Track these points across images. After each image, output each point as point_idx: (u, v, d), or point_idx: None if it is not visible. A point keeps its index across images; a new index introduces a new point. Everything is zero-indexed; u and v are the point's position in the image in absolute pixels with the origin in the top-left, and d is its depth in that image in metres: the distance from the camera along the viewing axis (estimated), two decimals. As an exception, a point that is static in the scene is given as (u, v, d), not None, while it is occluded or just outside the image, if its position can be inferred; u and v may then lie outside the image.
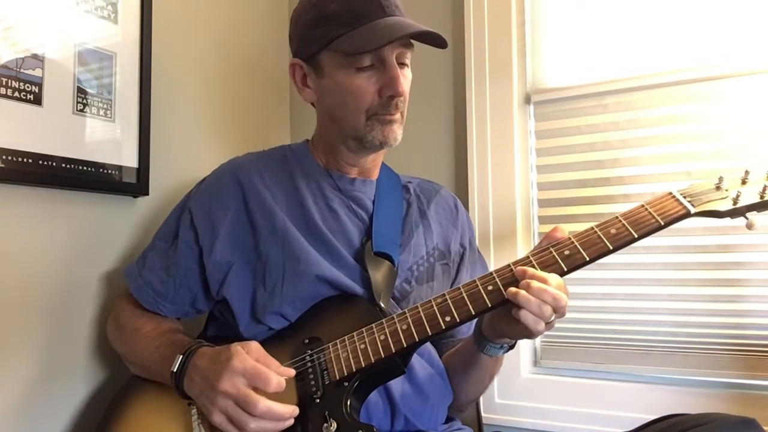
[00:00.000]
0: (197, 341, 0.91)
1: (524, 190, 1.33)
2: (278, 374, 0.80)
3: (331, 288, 0.94)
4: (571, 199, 1.29)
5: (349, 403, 0.83)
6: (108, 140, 1.12)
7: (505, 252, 1.31)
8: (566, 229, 0.85)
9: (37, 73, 1.00)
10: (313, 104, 1.05)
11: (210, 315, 1.07)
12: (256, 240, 0.98)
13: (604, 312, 1.25)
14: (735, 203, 0.80)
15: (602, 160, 1.26)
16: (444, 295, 0.85)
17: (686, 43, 1.20)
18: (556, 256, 0.82)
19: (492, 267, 1.10)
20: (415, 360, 0.93)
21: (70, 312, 1.08)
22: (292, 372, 0.84)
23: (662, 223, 0.80)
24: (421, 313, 0.84)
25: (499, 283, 0.82)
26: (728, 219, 0.81)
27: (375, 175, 1.08)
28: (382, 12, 0.92)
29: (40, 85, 1.00)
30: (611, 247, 0.81)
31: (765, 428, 0.76)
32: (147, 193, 1.18)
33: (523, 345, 1.29)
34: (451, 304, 0.83)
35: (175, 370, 0.86)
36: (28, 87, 0.99)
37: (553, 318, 0.79)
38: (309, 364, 0.87)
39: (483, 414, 1.25)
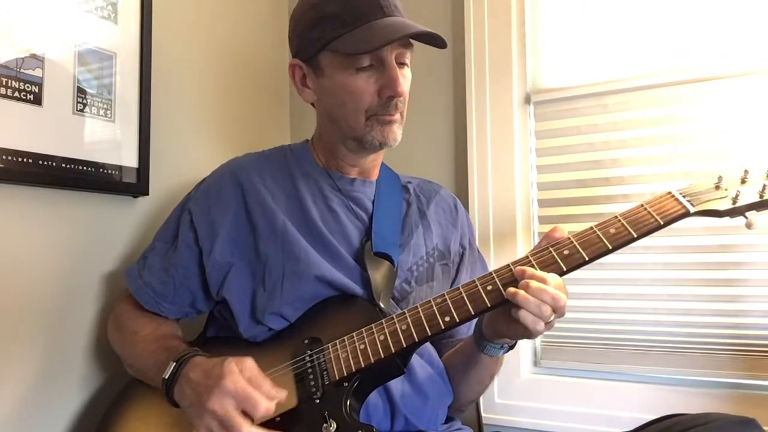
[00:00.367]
0: (193, 349, 0.90)
1: (524, 190, 1.33)
2: (270, 397, 0.79)
3: (330, 288, 0.94)
4: (571, 199, 1.29)
5: (348, 403, 0.83)
6: (108, 140, 1.12)
7: (505, 252, 1.31)
8: (565, 229, 0.85)
9: (37, 73, 1.00)
10: (312, 105, 1.05)
11: (210, 315, 1.07)
12: (255, 240, 0.98)
13: (604, 312, 1.25)
14: (734, 202, 0.80)
15: (602, 160, 1.26)
16: (443, 295, 0.85)
17: (686, 44, 1.20)
18: (556, 256, 0.82)
19: (492, 267, 1.10)
20: (415, 360, 0.93)
21: (70, 312, 1.08)
22: (284, 394, 0.82)
23: (662, 223, 0.80)
24: (421, 314, 0.84)
25: (498, 283, 0.82)
26: (728, 218, 0.81)
27: (375, 175, 1.07)
28: (381, 12, 0.92)
29: (40, 85, 1.01)
30: (610, 247, 0.81)
31: (765, 428, 0.76)
32: (147, 193, 1.18)
33: (523, 345, 1.29)
34: (450, 305, 0.83)
35: (166, 378, 0.86)
36: (28, 87, 0.99)
37: (552, 318, 0.79)
38: (309, 365, 0.87)
39: (483, 414, 1.25)
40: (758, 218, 0.79)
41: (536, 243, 1.32)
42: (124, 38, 1.15)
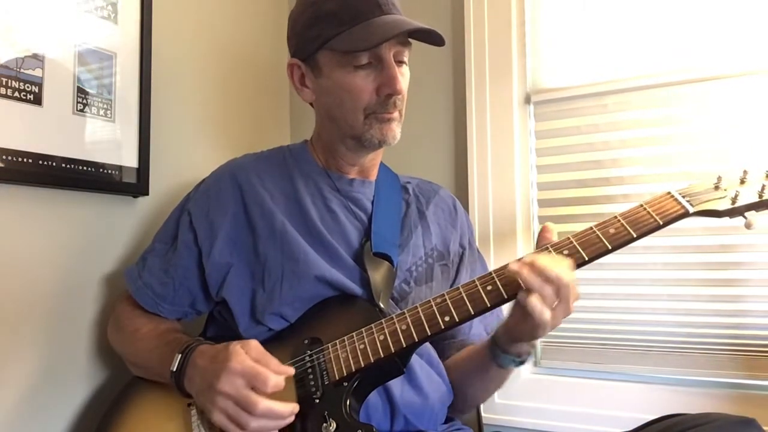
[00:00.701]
0: (196, 339, 0.91)
1: (524, 190, 1.33)
2: (277, 373, 0.80)
3: (330, 288, 0.94)
4: (571, 199, 1.29)
5: (348, 403, 0.83)
6: (108, 140, 1.12)
7: (505, 252, 1.31)
8: (554, 228, 0.85)
9: (37, 73, 1.00)
10: (311, 104, 1.05)
11: (210, 316, 1.07)
12: (254, 241, 0.98)
13: (604, 312, 1.25)
14: (734, 203, 0.80)
15: (602, 160, 1.26)
16: (443, 295, 0.85)
17: (685, 44, 1.20)
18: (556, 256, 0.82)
19: (492, 267, 1.10)
20: (415, 360, 0.93)
21: (70, 312, 1.08)
22: (292, 370, 0.84)
23: (661, 223, 0.80)
24: (420, 314, 0.84)
25: (498, 282, 0.82)
26: (727, 218, 0.81)
27: (374, 175, 1.07)
28: (379, 10, 0.92)
29: (40, 85, 1.01)
30: (610, 247, 0.80)
31: (765, 428, 0.76)
32: (147, 193, 1.18)
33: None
34: (450, 305, 0.83)
35: (174, 369, 0.87)
36: (28, 87, 0.99)
37: (556, 304, 0.78)
38: (309, 365, 0.87)
39: (483, 414, 1.25)
40: (757, 218, 0.79)
41: (536, 243, 1.33)
42: (124, 38, 1.15)
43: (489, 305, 0.82)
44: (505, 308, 0.89)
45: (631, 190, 1.23)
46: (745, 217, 0.80)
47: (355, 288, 0.94)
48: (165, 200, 1.24)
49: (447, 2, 1.44)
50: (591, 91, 1.28)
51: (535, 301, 0.76)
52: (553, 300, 0.77)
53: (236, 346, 0.82)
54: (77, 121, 1.07)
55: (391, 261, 0.97)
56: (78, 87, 1.07)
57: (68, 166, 1.05)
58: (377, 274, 0.95)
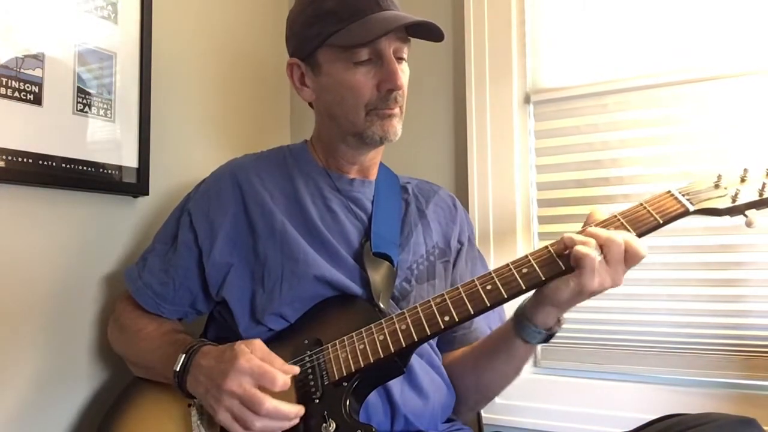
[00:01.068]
0: (199, 340, 0.91)
1: (524, 190, 1.33)
2: (283, 372, 0.80)
3: (330, 288, 0.94)
4: (571, 199, 1.29)
5: (348, 403, 0.83)
6: (108, 140, 1.12)
7: (505, 252, 1.31)
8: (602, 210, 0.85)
9: (37, 73, 1.00)
10: (311, 104, 1.05)
11: (210, 316, 1.07)
12: (254, 241, 0.98)
13: (604, 312, 1.24)
14: (734, 201, 0.79)
15: (601, 160, 1.26)
16: (443, 295, 0.85)
17: (685, 44, 1.20)
18: (555, 257, 0.82)
19: (492, 267, 1.09)
20: (415, 360, 0.93)
21: (70, 312, 1.08)
22: (297, 369, 0.84)
23: (661, 222, 0.80)
24: (420, 314, 0.84)
25: (498, 283, 0.82)
26: (727, 217, 0.81)
27: (374, 174, 1.07)
28: (377, 7, 0.92)
29: (40, 85, 1.01)
30: (610, 247, 0.80)
31: (765, 428, 0.76)
32: (147, 193, 1.18)
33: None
34: (450, 304, 0.83)
35: (177, 369, 0.86)
36: (28, 87, 0.99)
37: (605, 265, 0.78)
38: (308, 365, 0.87)
39: (483, 414, 1.24)
40: (758, 217, 0.79)
41: (536, 243, 1.33)
42: (124, 38, 1.15)
43: (489, 305, 0.82)
44: (506, 307, 0.89)
45: (630, 190, 1.22)
46: (745, 216, 0.79)
47: (355, 288, 0.94)
48: (165, 200, 1.24)
49: (447, 2, 1.45)
50: (590, 91, 1.28)
51: (586, 252, 0.76)
52: (610, 261, 0.77)
53: (241, 345, 0.82)
54: (77, 121, 1.07)
55: (391, 261, 0.97)
56: (78, 87, 1.07)
57: (68, 166, 1.05)
58: (377, 274, 0.95)
